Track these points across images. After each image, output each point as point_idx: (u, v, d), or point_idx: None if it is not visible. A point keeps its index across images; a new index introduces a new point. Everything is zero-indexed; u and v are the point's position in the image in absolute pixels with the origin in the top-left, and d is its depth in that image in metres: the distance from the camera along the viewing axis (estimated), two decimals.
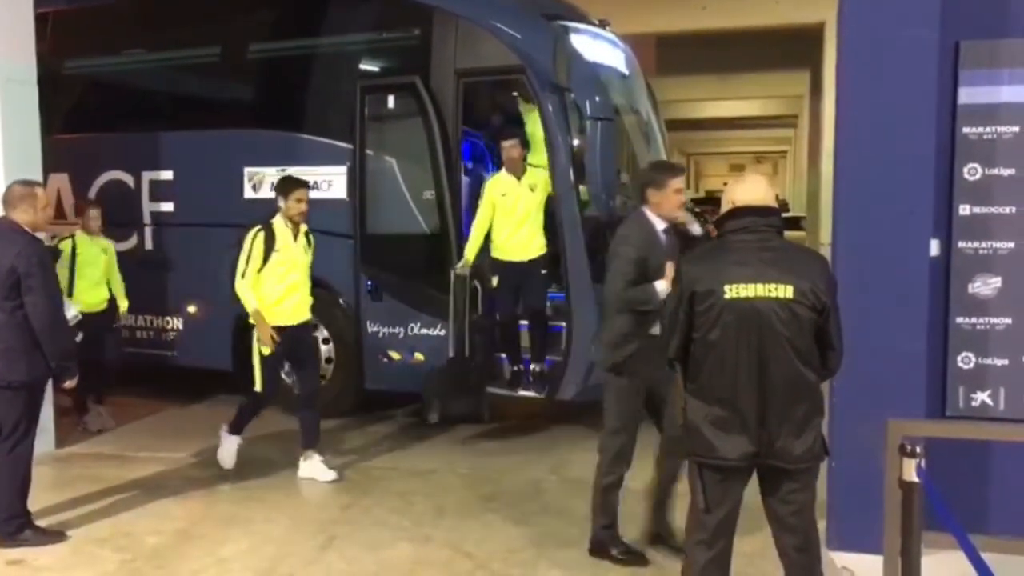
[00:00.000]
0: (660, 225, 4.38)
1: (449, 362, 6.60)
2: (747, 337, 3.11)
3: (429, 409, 6.51)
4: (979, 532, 3.72)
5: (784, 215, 25.38)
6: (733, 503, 3.24)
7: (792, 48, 17.21)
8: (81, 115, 8.46)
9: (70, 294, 6.53)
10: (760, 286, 3.11)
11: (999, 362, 4.42)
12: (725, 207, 3.33)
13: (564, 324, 6.49)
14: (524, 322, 6.71)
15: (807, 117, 22.36)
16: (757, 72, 20.95)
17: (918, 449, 2.59)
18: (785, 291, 3.10)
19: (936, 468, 3.83)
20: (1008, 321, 4.40)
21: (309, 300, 6.00)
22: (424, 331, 6.89)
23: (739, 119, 30.62)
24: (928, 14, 4.15)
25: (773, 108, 27.91)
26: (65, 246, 6.84)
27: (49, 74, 6.89)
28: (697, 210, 19.73)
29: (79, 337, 6.26)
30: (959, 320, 4.44)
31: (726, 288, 3.13)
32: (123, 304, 7.22)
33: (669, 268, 4.01)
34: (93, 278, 6.94)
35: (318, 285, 7.30)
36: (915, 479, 2.59)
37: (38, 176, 6.01)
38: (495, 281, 6.61)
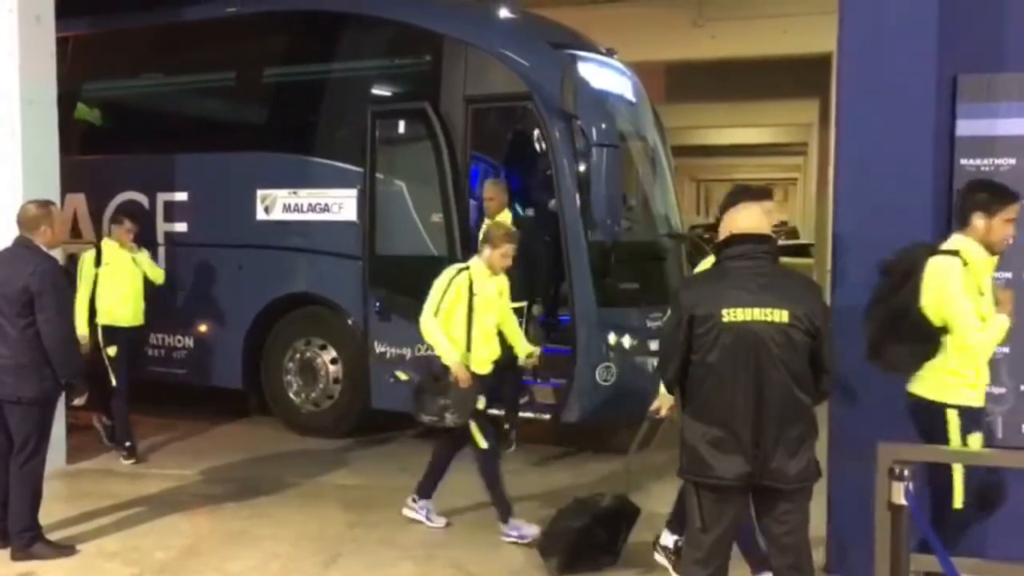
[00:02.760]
0: None
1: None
2: (744, 360, 3.19)
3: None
4: (978, 556, 3.76)
5: (794, 242, 25.28)
6: (729, 523, 3.30)
7: (801, 77, 17.34)
8: (98, 136, 8.62)
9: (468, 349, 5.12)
10: (757, 310, 3.20)
11: (997, 390, 4.45)
12: (723, 235, 3.42)
13: (570, 347, 6.55)
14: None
15: (816, 145, 22.45)
16: (766, 100, 21.07)
17: (906, 472, 2.65)
18: (781, 315, 3.19)
19: (937, 493, 3.88)
20: (1006, 350, 4.44)
21: None
22: (431, 351, 6.94)
23: (749, 146, 30.74)
24: (926, 48, 4.25)
25: (783, 136, 28.01)
26: (460, 285, 5.05)
27: (68, 96, 7.05)
28: (706, 236, 19.87)
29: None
30: None
31: (724, 312, 3.21)
32: (523, 350, 5.40)
33: None
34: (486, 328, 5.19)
35: (326, 305, 7.46)
36: (903, 502, 2.65)
37: (56, 195, 6.13)
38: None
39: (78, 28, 8.23)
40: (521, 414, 6.81)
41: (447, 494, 5.86)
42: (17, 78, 6.07)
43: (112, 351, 6.63)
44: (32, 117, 6.18)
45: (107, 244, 6.84)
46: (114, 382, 6.65)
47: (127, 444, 6.77)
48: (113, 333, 6.66)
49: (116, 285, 6.71)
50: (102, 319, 6.63)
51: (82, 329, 6.31)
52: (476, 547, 5.07)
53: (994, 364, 4.39)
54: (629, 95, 7.66)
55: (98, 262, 6.72)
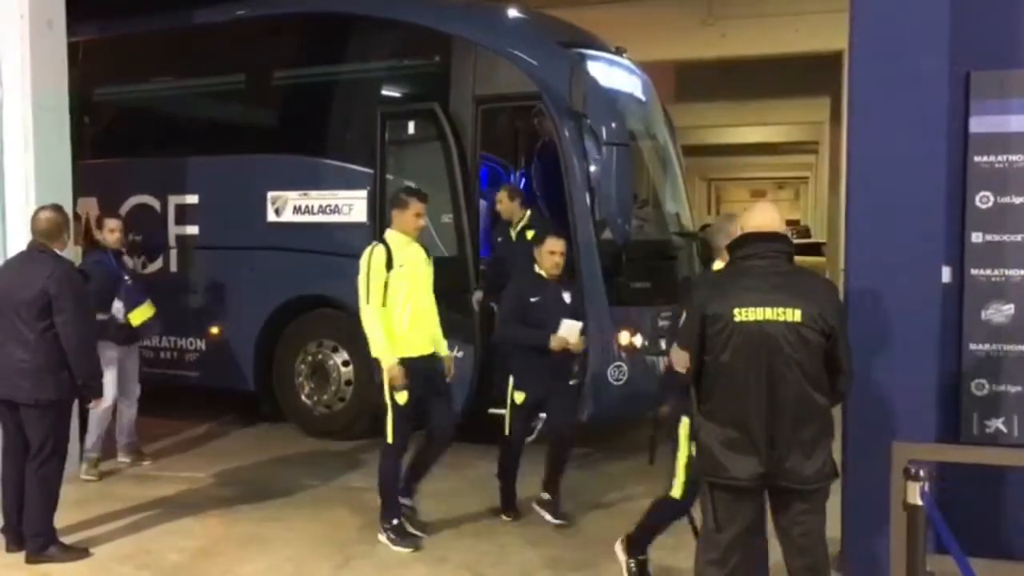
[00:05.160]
0: None
1: None
2: (757, 359, 3.17)
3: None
4: (996, 557, 3.74)
5: (806, 241, 25.34)
6: (745, 523, 3.29)
7: (812, 75, 17.29)
8: (109, 140, 8.66)
9: None
10: (769, 310, 3.19)
11: (1013, 389, 4.41)
12: (736, 234, 3.41)
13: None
14: None
15: (827, 143, 22.37)
16: (777, 99, 21.02)
17: (921, 472, 2.63)
18: (793, 315, 3.17)
19: (953, 493, 3.86)
20: (1021, 348, 4.40)
21: None
22: None
23: (760, 145, 30.64)
24: (938, 45, 4.20)
25: (794, 134, 27.92)
26: None
27: (79, 100, 7.07)
28: None
29: None
30: (972, 347, 4.45)
31: (736, 311, 3.20)
32: None
33: None
34: None
35: (338, 307, 7.46)
36: (919, 502, 2.62)
37: (68, 200, 6.14)
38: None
39: (89, 33, 8.26)
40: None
41: (461, 493, 5.87)
42: (29, 84, 6.08)
43: (403, 398, 4.83)
44: (44, 122, 6.18)
45: (394, 237, 4.99)
46: (389, 438, 4.92)
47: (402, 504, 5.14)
48: (406, 368, 4.84)
49: (411, 295, 4.90)
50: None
51: (388, 357, 4.77)
52: (488, 549, 5.06)
53: (1012, 361, 4.37)
54: (639, 94, 7.64)
55: (389, 263, 4.87)
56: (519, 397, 5.35)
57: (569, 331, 5.30)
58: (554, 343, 5.25)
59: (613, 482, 6.35)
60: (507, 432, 5.48)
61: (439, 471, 6.51)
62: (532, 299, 5.35)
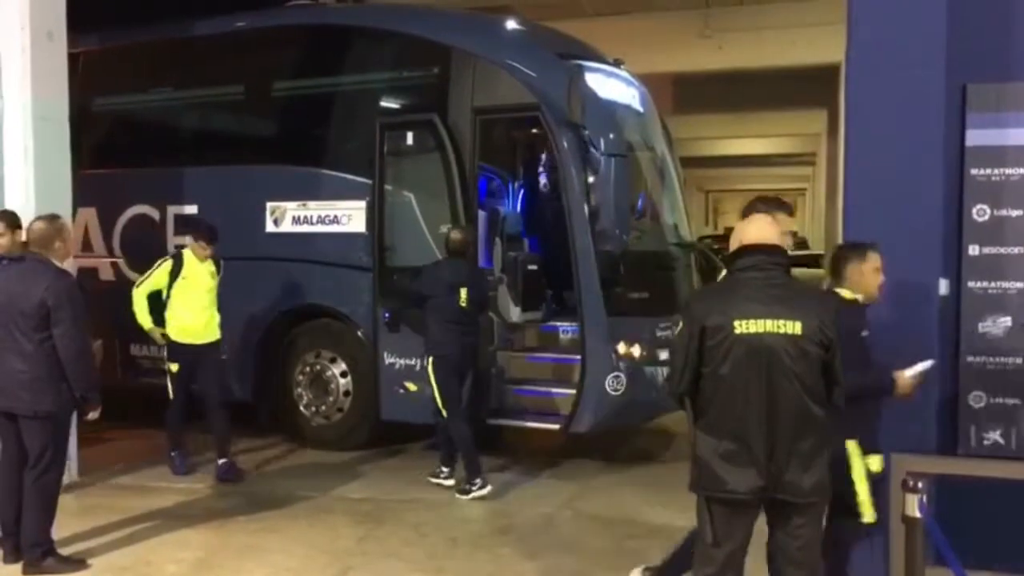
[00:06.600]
0: None
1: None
2: (756, 371, 3.17)
3: None
4: (993, 569, 3.74)
5: (803, 252, 25.30)
6: (742, 537, 3.28)
7: (809, 87, 17.39)
8: (109, 151, 8.67)
9: None
10: (769, 322, 3.19)
11: (1010, 401, 4.43)
12: (734, 246, 3.42)
13: (579, 356, 6.55)
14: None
15: (825, 155, 22.45)
16: (774, 111, 21.13)
17: (920, 484, 2.63)
18: (794, 327, 3.17)
19: (951, 506, 3.86)
20: (1019, 360, 4.41)
21: None
22: None
23: (757, 157, 30.75)
24: (934, 58, 4.23)
25: (791, 146, 28.04)
26: None
27: (79, 111, 7.09)
28: (715, 247, 19.91)
29: None
30: (970, 359, 4.46)
31: (736, 323, 3.20)
32: None
33: None
34: None
35: (336, 317, 7.46)
36: (917, 514, 2.63)
37: (68, 211, 6.14)
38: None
39: (89, 44, 8.28)
40: (530, 424, 6.85)
41: (458, 510, 5.86)
42: (30, 95, 6.10)
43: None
44: (45, 134, 6.19)
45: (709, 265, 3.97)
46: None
47: None
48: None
49: None
50: None
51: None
52: (485, 560, 5.04)
53: (1009, 373, 4.38)
54: (637, 105, 7.67)
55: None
56: (876, 463, 3.62)
57: (922, 371, 3.91)
58: (905, 386, 3.85)
59: (610, 493, 6.36)
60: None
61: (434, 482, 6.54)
62: (864, 333, 3.87)
